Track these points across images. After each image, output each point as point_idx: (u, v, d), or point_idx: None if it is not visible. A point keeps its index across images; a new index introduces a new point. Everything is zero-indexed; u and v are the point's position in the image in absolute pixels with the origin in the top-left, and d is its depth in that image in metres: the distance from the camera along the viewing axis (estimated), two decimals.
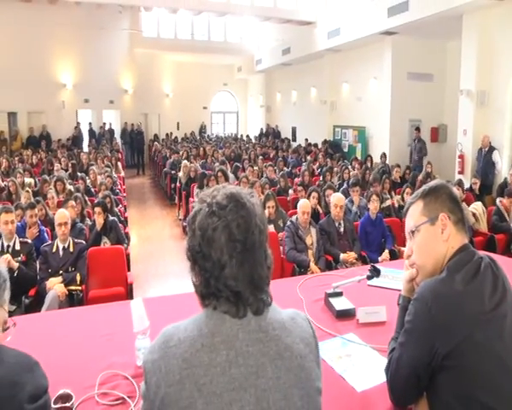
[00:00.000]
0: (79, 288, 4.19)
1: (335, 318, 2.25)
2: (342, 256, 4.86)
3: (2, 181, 8.50)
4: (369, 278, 2.31)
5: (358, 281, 2.36)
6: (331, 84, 14.96)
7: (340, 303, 2.31)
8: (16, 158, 11.75)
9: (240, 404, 0.98)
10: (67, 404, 1.62)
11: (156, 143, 17.11)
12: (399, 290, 2.54)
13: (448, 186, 1.51)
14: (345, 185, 7.85)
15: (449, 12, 8.83)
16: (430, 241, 1.46)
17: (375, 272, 2.28)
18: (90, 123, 17.53)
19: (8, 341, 1.22)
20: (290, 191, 7.90)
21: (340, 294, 2.39)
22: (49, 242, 4.61)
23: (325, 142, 14.66)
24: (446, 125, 12.09)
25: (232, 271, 1.01)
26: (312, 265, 4.61)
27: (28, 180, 8.38)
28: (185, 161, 10.37)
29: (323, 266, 4.68)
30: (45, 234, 5.18)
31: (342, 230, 5.14)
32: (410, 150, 11.59)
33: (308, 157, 12.54)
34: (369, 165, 10.39)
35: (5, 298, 1.19)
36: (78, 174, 8.93)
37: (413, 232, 1.50)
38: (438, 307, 1.30)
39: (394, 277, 2.77)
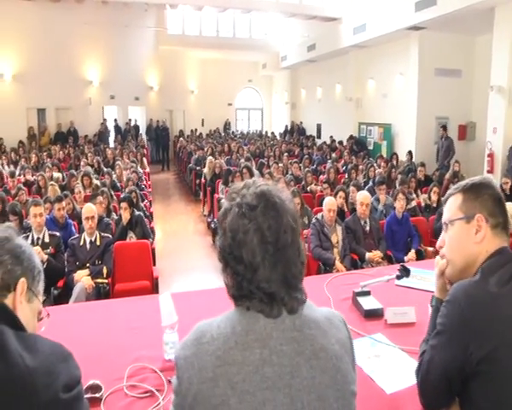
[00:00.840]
0: (106, 281, 4.27)
1: (363, 317, 2.22)
2: (368, 255, 4.79)
3: (32, 175, 8.71)
4: (399, 277, 2.26)
5: (387, 280, 2.32)
6: (356, 80, 14.80)
7: (368, 303, 2.28)
8: (45, 153, 12.01)
9: (273, 403, 0.96)
10: (97, 395, 1.64)
11: (181, 139, 17.24)
12: (428, 291, 2.49)
13: (493, 186, 1.42)
14: (370, 183, 7.75)
15: (480, 5, 8.59)
16: (462, 239, 1.41)
17: (405, 272, 2.23)
18: (115, 119, 17.77)
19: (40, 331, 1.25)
20: (316, 187, 7.83)
21: (367, 293, 2.35)
22: (77, 235, 4.69)
23: (351, 137, 14.50)
24: (475, 122, 11.79)
25: (265, 273, 0.99)
26: (338, 263, 4.56)
27: (56, 175, 8.56)
28: (210, 157, 10.39)
29: (349, 264, 4.63)
30: (72, 227, 5.28)
31: (368, 228, 5.07)
32: (437, 148, 11.34)
33: (333, 155, 12.43)
34: (394, 163, 10.23)
35: (39, 289, 1.21)
36: (104, 169, 9.07)
37: (447, 225, 1.46)
38: (471, 309, 1.26)
39: (423, 277, 2.72)
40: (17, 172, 9.14)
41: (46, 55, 15.47)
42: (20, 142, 14.90)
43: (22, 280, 1.11)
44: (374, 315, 2.22)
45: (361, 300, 2.30)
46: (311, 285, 2.64)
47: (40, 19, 15.04)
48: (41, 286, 1.22)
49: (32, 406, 0.95)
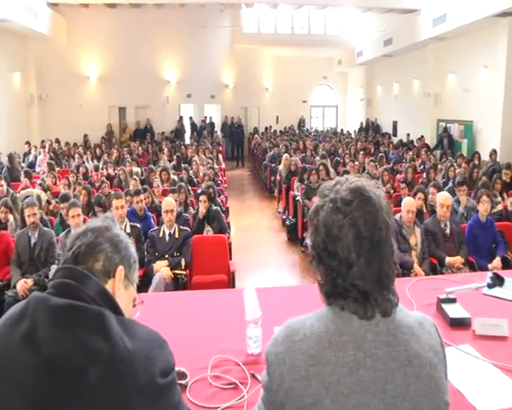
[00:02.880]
0: (184, 272, 4.42)
1: (449, 326, 2.11)
2: (448, 260, 4.53)
3: (114, 170, 9.22)
4: (490, 286, 2.12)
5: (476, 288, 2.19)
6: (435, 75, 14.09)
7: (453, 310, 2.17)
8: (125, 149, 12.68)
9: (367, 408, 0.95)
10: (182, 382, 1.70)
11: (256, 135, 17.38)
12: None
13: None
14: (450, 184, 7.35)
15: None
16: None
17: (498, 281, 2.08)
18: (190, 117, 18.25)
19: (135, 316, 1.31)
20: (388, 186, 7.58)
21: (453, 300, 2.24)
22: (156, 227, 4.89)
23: (445, 130, 13.41)
24: None
25: (360, 269, 0.98)
26: (416, 266, 4.36)
27: (136, 169, 9.01)
28: (286, 155, 10.40)
29: (428, 268, 4.41)
30: (151, 220, 5.52)
31: (448, 231, 4.80)
32: None
33: (409, 153, 11.92)
34: (476, 162, 9.61)
35: (135, 277, 1.27)
36: (182, 165, 9.38)
37: None
38: None
39: None
40: (100, 167, 9.73)
41: (127, 58, 16.30)
42: (103, 138, 15.87)
43: (120, 268, 1.16)
44: (460, 324, 2.12)
45: (446, 307, 2.19)
46: None
47: (122, 24, 15.87)
48: (136, 274, 1.27)
49: (132, 388, 1.00)
